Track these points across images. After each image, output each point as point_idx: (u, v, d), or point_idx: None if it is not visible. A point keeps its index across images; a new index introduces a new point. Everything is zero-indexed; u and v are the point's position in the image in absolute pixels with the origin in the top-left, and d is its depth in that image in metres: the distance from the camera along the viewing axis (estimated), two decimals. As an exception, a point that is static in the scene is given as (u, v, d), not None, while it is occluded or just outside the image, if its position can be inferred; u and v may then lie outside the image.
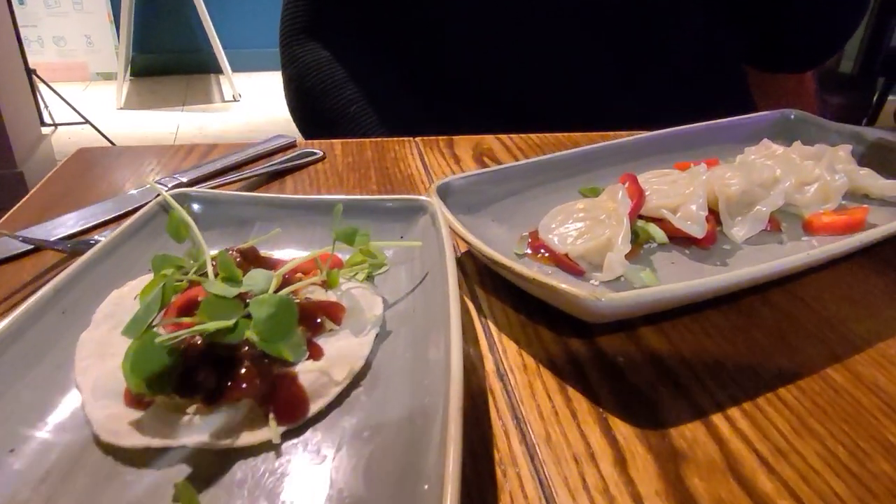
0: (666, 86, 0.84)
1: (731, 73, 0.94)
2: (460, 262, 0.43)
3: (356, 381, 0.30)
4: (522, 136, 0.68)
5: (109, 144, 2.83)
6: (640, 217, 0.44)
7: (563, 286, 0.32)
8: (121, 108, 3.55)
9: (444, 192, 0.44)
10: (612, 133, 0.68)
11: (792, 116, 0.62)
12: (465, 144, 0.65)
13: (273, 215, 0.42)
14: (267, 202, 0.42)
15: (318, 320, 0.32)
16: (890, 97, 2.76)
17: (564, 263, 0.40)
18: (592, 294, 0.31)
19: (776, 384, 0.33)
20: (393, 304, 0.35)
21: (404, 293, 0.36)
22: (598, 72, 0.81)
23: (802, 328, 0.37)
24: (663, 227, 0.43)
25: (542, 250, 0.41)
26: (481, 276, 0.41)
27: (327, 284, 0.35)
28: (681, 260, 0.42)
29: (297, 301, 0.32)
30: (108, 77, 3.96)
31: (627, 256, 0.41)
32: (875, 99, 2.78)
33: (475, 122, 0.73)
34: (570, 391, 0.32)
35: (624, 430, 0.30)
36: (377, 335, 0.32)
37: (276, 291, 0.31)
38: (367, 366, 0.31)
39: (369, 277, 0.37)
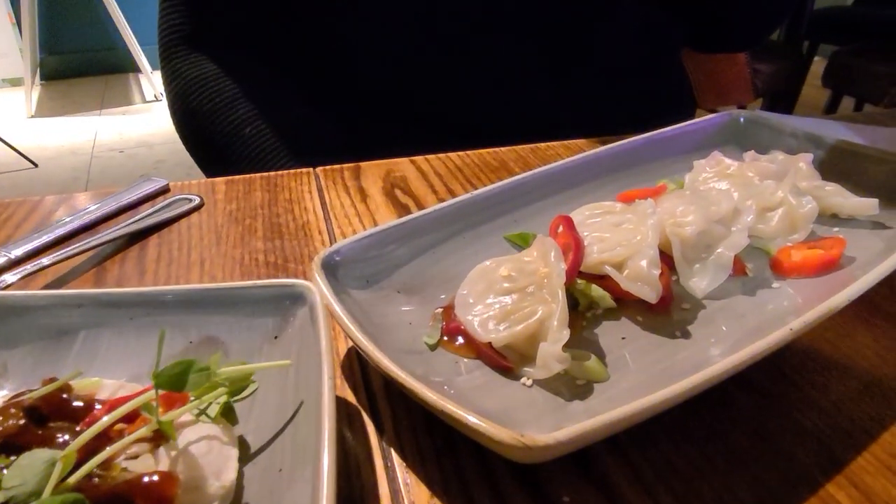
0: (601, 80, 0.76)
1: (668, 61, 0.88)
2: (360, 360, 0.34)
3: None
4: (440, 156, 0.58)
5: (22, 159, 2.60)
6: (581, 275, 0.36)
7: (475, 423, 0.23)
8: (32, 117, 3.29)
9: (333, 266, 0.34)
10: (543, 145, 0.60)
11: (741, 120, 0.54)
12: (373, 173, 0.55)
13: (102, 319, 0.32)
14: (94, 300, 0.32)
15: (136, 512, 0.22)
16: (816, 58, 2.78)
17: (487, 356, 0.31)
18: (516, 439, 0.22)
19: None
20: (256, 454, 0.26)
21: (273, 431, 0.26)
22: (526, 76, 0.72)
23: (793, 422, 0.30)
24: (608, 286, 0.35)
25: (460, 337, 0.32)
26: (388, 381, 0.32)
27: (159, 439, 0.25)
28: (633, 333, 0.33)
29: (108, 481, 0.22)
30: (16, 83, 3.67)
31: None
32: (802, 63, 2.79)
33: (389, 138, 0.64)
34: (501, 568, 0.23)
35: None
36: (226, 516, 0.23)
37: (67, 476, 0.21)
38: (206, 577, 0.21)
39: (228, 409, 0.28)
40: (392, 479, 0.27)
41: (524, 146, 0.60)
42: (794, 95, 2.43)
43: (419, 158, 0.58)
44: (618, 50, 0.75)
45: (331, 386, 0.25)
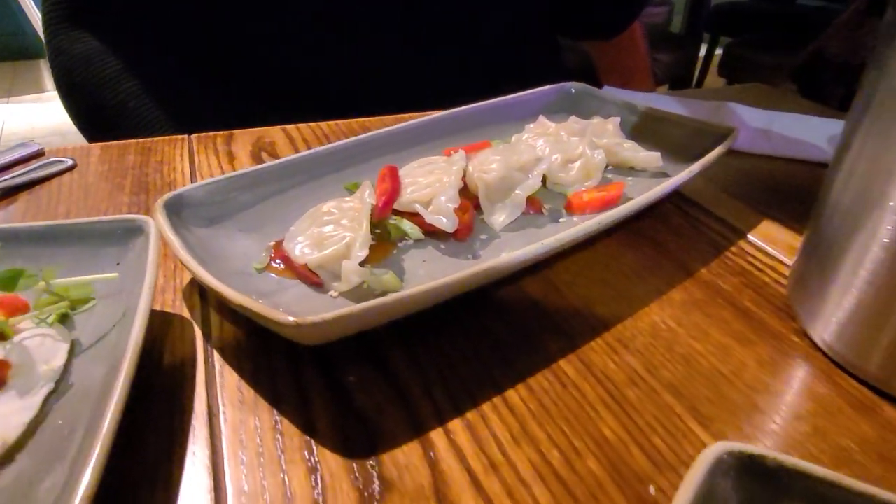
0: (476, 60, 0.83)
1: (540, 44, 0.95)
2: (198, 287, 0.39)
3: (12, 453, 0.25)
4: (311, 125, 0.64)
5: None
6: (397, 213, 0.42)
7: (262, 311, 0.29)
8: (-70, 107, 3.13)
9: (178, 205, 0.39)
10: (407, 115, 0.66)
11: (573, 90, 0.62)
12: (244, 139, 0.60)
13: (-42, 252, 0.35)
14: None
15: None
16: (718, 49, 2.96)
17: (304, 275, 0.37)
18: (292, 321, 0.28)
19: (508, 387, 0.32)
20: (86, 349, 0.31)
21: (103, 333, 0.31)
22: (404, 54, 0.78)
23: (550, 319, 0.37)
24: (418, 221, 0.41)
25: (283, 262, 0.38)
26: (219, 300, 0.37)
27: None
28: (434, 257, 0.40)
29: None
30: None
31: (379, 258, 0.39)
32: (703, 54, 2.97)
33: (275, 112, 0.68)
34: (286, 425, 0.29)
35: (333, 466, 0.27)
36: (52, 392, 0.28)
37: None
38: (29, 433, 0.26)
39: (65, 318, 0.32)
40: (210, 371, 0.32)
41: (391, 116, 0.66)
42: (691, 83, 2.59)
43: (290, 126, 0.63)
44: (491, 30, 0.82)
45: (149, 293, 0.30)
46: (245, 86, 0.76)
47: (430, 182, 0.42)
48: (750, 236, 0.45)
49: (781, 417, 0.30)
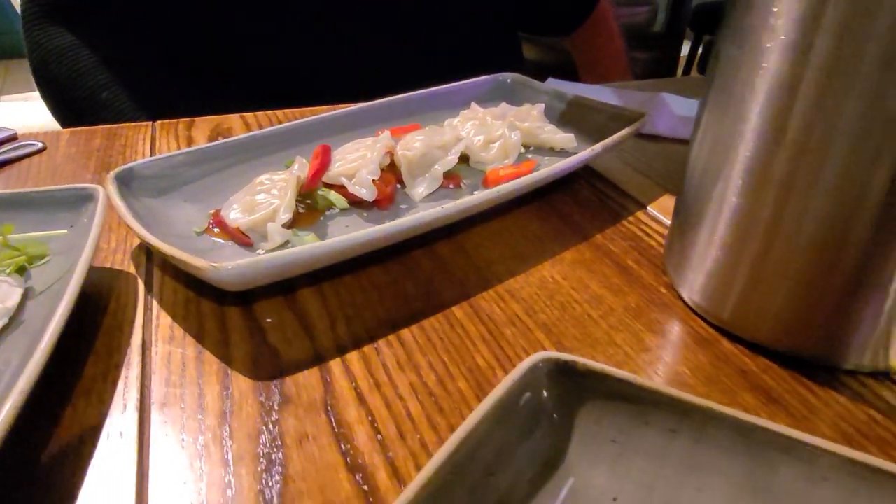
0: (442, 53, 0.88)
1: (504, 40, 1.00)
2: (145, 249, 0.44)
3: (-31, 373, 0.30)
4: (268, 113, 0.69)
5: None
6: (328, 186, 0.47)
7: (185, 258, 0.34)
8: (-78, 105, 3.16)
9: (128, 177, 0.44)
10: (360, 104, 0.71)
11: (508, 80, 0.67)
12: (205, 126, 0.65)
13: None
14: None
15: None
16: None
17: (236, 237, 0.42)
18: (210, 265, 0.33)
19: (403, 327, 0.37)
20: (38, 295, 0.36)
21: (53, 281, 0.37)
22: (378, 46, 0.83)
23: (452, 275, 0.42)
24: (343, 192, 0.46)
25: (219, 226, 0.43)
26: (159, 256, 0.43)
27: (-39, 281, 0.34)
28: (356, 223, 0.45)
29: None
30: None
31: (306, 224, 0.44)
32: (688, 52, 3.03)
33: (249, 103, 0.73)
34: (207, 356, 0.34)
35: (243, 385, 0.32)
36: (6, 327, 0.33)
37: None
38: (-17, 358, 0.31)
39: (22, 270, 0.37)
40: (147, 315, 0.37)
41: (346, 105, 0.71)
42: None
43: (249, 115, 0.68)
44: (456, 26, 0.87)
45: (91, 247, 0.35)
46: (224, 76, 0.81)
47: (355, 158, 0.47)
48: (649, 208, 0.51)
49: (632, 349, 0.35)
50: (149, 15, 0.80)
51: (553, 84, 0.72)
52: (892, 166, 0.30)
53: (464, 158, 0.53)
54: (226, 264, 0.33)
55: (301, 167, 0.45)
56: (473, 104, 0.60)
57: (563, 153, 0.56)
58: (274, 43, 0.79)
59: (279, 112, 0.69)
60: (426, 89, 0.63)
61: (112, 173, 0.43)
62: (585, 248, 0.45)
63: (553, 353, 0.27)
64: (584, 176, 0.55)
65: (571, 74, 1.08)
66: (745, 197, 0.34)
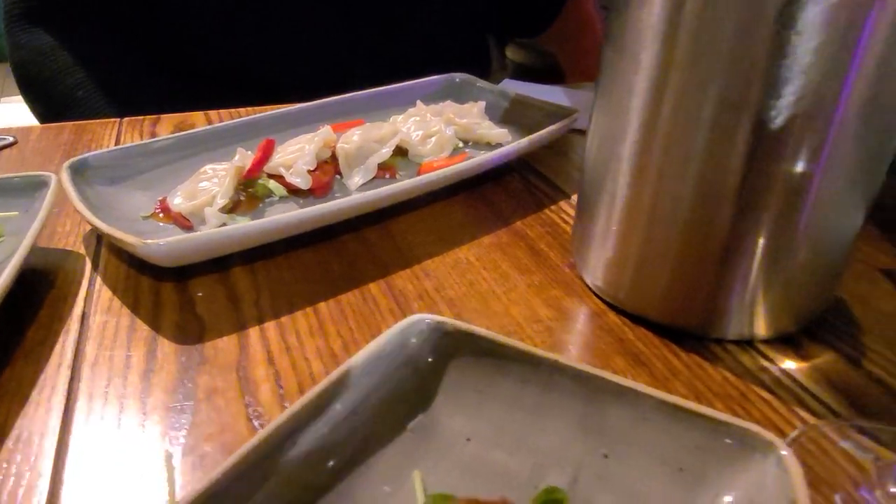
0: (415, 53, 0.91)
1: (473, 39, 1.04)
2: (96, 233, 0.47)
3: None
4: (231, 110, 0.73)
5: None
6: (271, 176, 0.51)
7: (120, 235, 0.38)
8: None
9: (82, 167, 0.48)
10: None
11: (457, 80, 0.71)
12: (169, 123, 0.69)
13: None
14: None
15: None
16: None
17: (178, 220, 0.46)
18: (141, 241, 0.37)
19: (320, 300, 0.41)
20: (-10, 269, 0.40)
21: (5, 258, 0.40)
22: (346, 44, 0.87)
23: (376, 256, 0.46)
24: (282, 182, 0.50)
25: (163, 212, 0.47)
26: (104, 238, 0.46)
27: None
28: (291, 209, 0.49)
29: None
30: None
31: (245, 210, 0.48)
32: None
33: (218, 99, 0.76)
34: (139, 324, 0.38)
35: (167, 349, 0.36)
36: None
37: None
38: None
39: (-23, 248, 0.41)
40: (90, 289, 0.41)
41: (309, 103, 0.74)
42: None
43: (213, 112, 0.72)
44: (428, 25, 0.91)
45: (38, 224, 0.39)
46: (200, 75, 0.85)
47: (295, 150, 0.51)
48: (573, 198, 0.54)
49: (525, 320, 0.39)
50: (122, 14, 0.84)
51: (506, 84, 0.75)
52: (744, 154, 0.34)
53: (404, 152, 0.57)
54: (155, 241, 0.37)
55: (242, 158, 0.49)
56: (419, 102, 0.64)
57: (499, 147, 0.60)
58: (241, 41, 0.83)
59: (241, 109, 0.73)
60: (378, 88, 0.67)
61: (67, 163, 0.47)
62: (504, 233, 0.49)
63: (427, 315, 0.31)
64: (517, 169, 0.59)
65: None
66: (628, 187, 0.38)
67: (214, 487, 0.22)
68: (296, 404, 0.26)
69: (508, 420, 0.29)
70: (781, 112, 0.32)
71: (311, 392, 0.27)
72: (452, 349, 0.31)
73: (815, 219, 0.36)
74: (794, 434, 0.32)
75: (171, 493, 0.28)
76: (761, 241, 0.36)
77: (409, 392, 0.30)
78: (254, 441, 0.24)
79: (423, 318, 0.31)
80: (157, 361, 0.35)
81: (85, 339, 0.37)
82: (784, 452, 0.24)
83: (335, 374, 0.27)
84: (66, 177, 0.46)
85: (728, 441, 0.26)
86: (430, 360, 0.30)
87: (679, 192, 0.36)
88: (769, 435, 0.25)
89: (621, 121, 0.37)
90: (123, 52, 0.84)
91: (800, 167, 0.34)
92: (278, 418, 0.25)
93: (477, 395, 0.30)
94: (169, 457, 0.30)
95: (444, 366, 0.31)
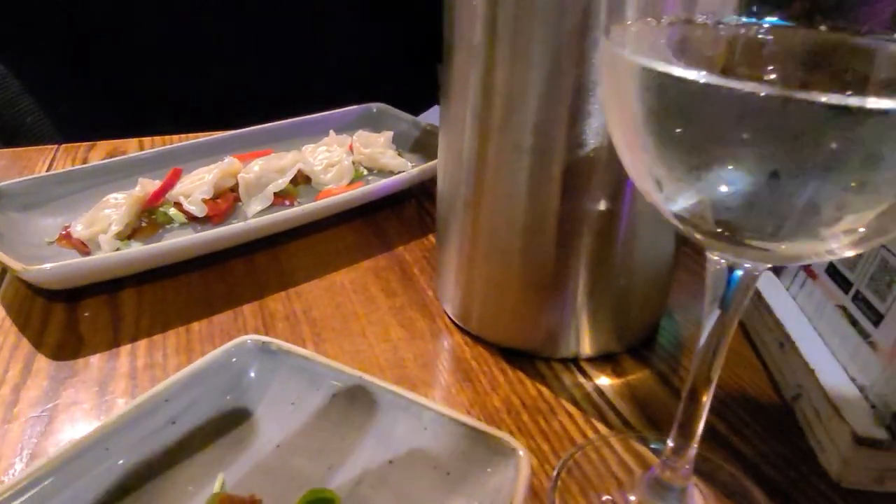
0: (335, 80, 0.96)
1: (412, 65, 1.08)
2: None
3: None
4: (164, 137, 0.77)
5: None
6: (175, 204, 0.55)
7: (6, 260, 0.42)
8: None
9: (-5, 195, 0.53)
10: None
11: (374, 110, 0.76)
12: (103, 149, 0.73)
13: None
14: None
15: None
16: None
17: (77, 246, 0.50)
18: (23, 267, 0.41)
19: (195, 320, 0.45)
20: None
21: None
22: (276, 76, 0.92)
23: (258, 280, 0.50)
24: (181, 209, 0.54)
25: (66, 238, 0.51)
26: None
27: None
28: (188, 235, 0.53)
29: None
30: None
31: (144, 236, 0.52)
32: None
33: (163, 129, 0.81)
34: (24, 341, 0.42)
35: (43, 364, 0.40)
36: None
37: None
38: None
39: None
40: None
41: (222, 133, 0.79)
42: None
43: (146, 139, 0.77)
44: (343, 50, 0.96)
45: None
46: (129, 105, 0.89)
47: (196, 179, 0.55)
48: (461, 224, 0.59)
49: (376, 340, 0.43)
50: (66, 46, 0.88)
51: (434, 111, 0.80)
52: (557, 193, 0.38)
53: (309, 180, 0.61)
54: (36, 267, 0.41)
55: (143, 187, 0.53)
56: (332, 132, 0.68)
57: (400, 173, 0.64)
58: (174, 72, 0.88)
59: (175, 137, 0.77)
60: (297, 118, 0.71)
61: (-21, 191, 0.52)
62: (384, 258, 0.53)
63: (257, 336, 0.35)
64: (417, 195, 0.63)
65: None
66: (464, 222, 0.42)
67: (19, 484, 0.26)
68: (112, 414, 0.30)
69: (315, 429, 0.33)
70: (582, 155, 0.36)
71: (131, 404, 0.31)
72: (275, 366, 0.35)
73: (629, 250, 0.40)
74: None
75: None
76: (581, 271, 0.40)
77: (227, 404, 0.34)
78: (64, 446, 0.28)
79: (248, 338, 0.35)
80: (31, 375, 0.39)
81: (-29, 355, 0.41)
82: (521, 455, 0.28)
83: (156, 388, 0.32)
84: (-24, 205, 0.50)
85: (485, 448, 0.30)
86: (252, 375, 0.34)
87: (508, 226, 0.40)
88: (514, 443, 0.29)
89: (458, 164, 0.41)
90: (68, 81, 0.89)
91: (604, 205, 0.38)
92: (97, 427, 0.29)
93: (291, 408, 0.34)
94: (19, 461, 0.34)
95: (268, 381, 0.35)
